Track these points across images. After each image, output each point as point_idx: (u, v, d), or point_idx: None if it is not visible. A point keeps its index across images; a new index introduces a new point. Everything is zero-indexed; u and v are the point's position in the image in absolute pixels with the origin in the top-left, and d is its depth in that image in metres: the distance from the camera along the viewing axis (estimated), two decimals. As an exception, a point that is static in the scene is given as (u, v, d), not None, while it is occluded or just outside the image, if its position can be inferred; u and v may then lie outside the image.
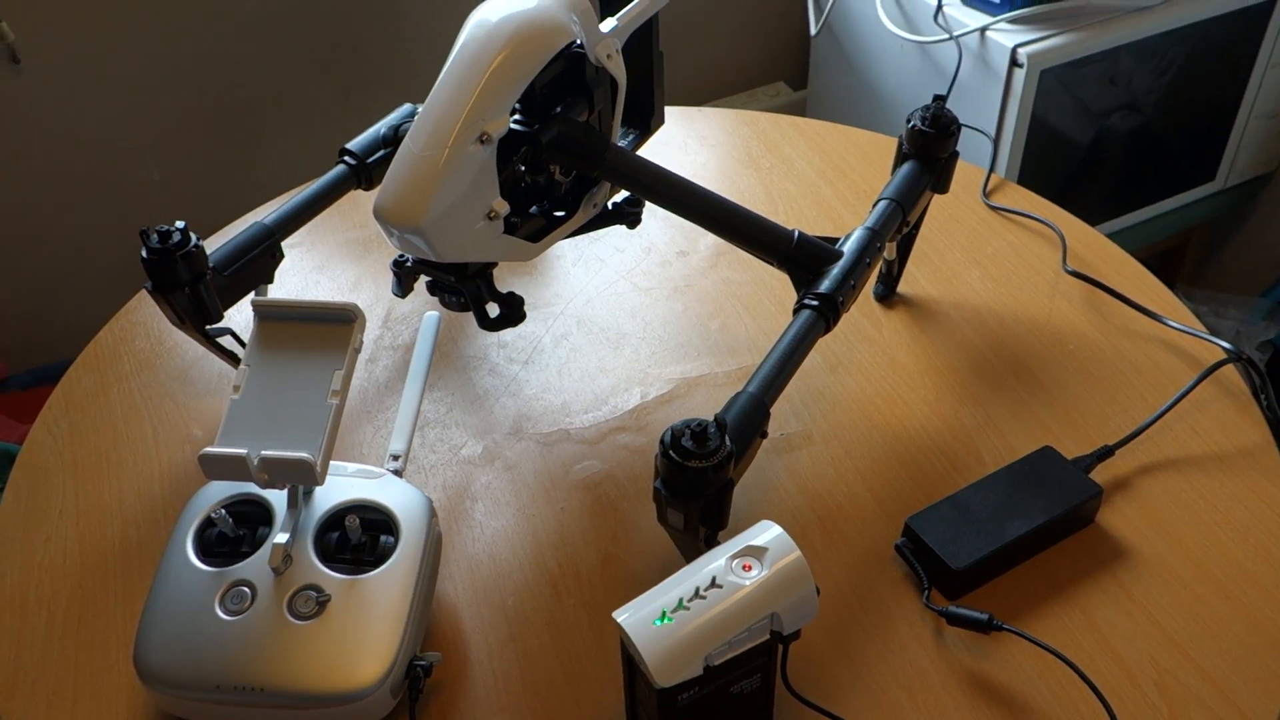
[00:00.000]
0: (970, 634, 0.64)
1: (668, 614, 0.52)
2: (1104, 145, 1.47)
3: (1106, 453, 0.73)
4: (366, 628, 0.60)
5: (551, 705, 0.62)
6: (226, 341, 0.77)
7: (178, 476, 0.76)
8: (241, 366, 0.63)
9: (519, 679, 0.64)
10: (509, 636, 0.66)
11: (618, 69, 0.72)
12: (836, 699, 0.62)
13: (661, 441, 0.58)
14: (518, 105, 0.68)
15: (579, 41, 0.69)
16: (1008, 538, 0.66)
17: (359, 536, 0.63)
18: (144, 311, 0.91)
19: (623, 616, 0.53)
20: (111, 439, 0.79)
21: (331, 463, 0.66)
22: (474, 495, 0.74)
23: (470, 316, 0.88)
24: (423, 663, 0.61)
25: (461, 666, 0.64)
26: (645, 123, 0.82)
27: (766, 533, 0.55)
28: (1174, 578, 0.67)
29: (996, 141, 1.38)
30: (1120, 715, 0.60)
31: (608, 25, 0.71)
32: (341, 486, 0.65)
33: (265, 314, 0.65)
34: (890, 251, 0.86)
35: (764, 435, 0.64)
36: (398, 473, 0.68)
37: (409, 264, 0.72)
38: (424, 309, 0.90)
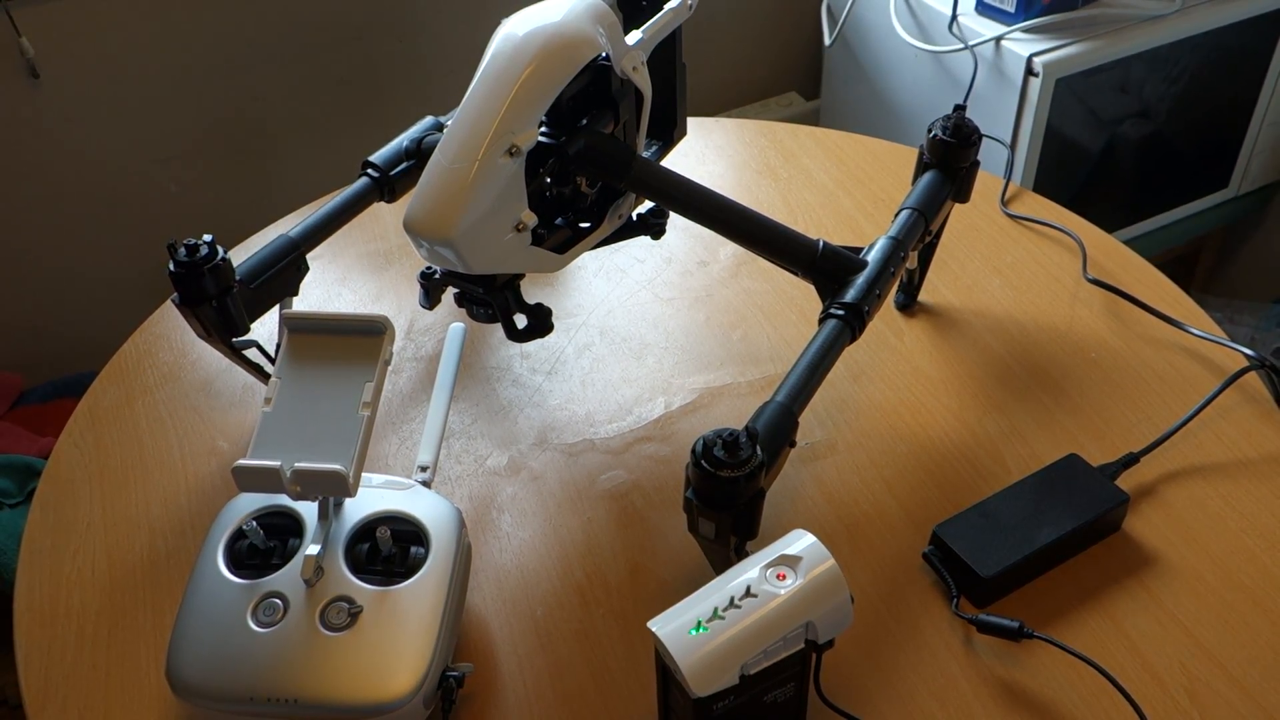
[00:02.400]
0: (1000, 642, 0.64)
1: (703, 624, 0.53)
2: (1117, 153, 1.47)
3: (1132, 460, 0.73)
4: (399, 639, 0.60)
5: (582, 715, 0.62)
6: (252, 354, 0.77)
7: (204, 488, 0.77)
8: (273, 379, 0.64)
9: (550, 689, 0.64)
10: (539, 647, 0.66)
11: (643, 81, 0.72)
12: (868, 708, 0.62)
13: (693, 451, 0.58)
14: (545, 118, 0.69)
15: (605, 54, 0.69)
16: (1036, 545, 0.66)
17: (390, 548, 0.63)
18: (167, 324, 0.91)
19: (658, 626, 0.53)
20: (137, 451, 0.80)
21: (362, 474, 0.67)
22: (500, 506, 0.75)
23: (493, 328, 0.89)
24: (455, 674, 0.61)
25: (492, 677, 0.65)
26: (668, 134, 0.82)
27: (800, 541, 0.55)
28: (1202, 584, 0.67)
29: (1012, 150, 1.38)
30: (1153, 723, 0.60)
31: (633, 38, 0.71)
32: (371, 498, 0.66)
33: (295, 326, 0.65)
34: (912, 261, 0.86)
35: (792, 444, 0.64)
36: (426, 484, 0.68)
37: (437, 276, 0.72)
38: (446, 321, 0.90)
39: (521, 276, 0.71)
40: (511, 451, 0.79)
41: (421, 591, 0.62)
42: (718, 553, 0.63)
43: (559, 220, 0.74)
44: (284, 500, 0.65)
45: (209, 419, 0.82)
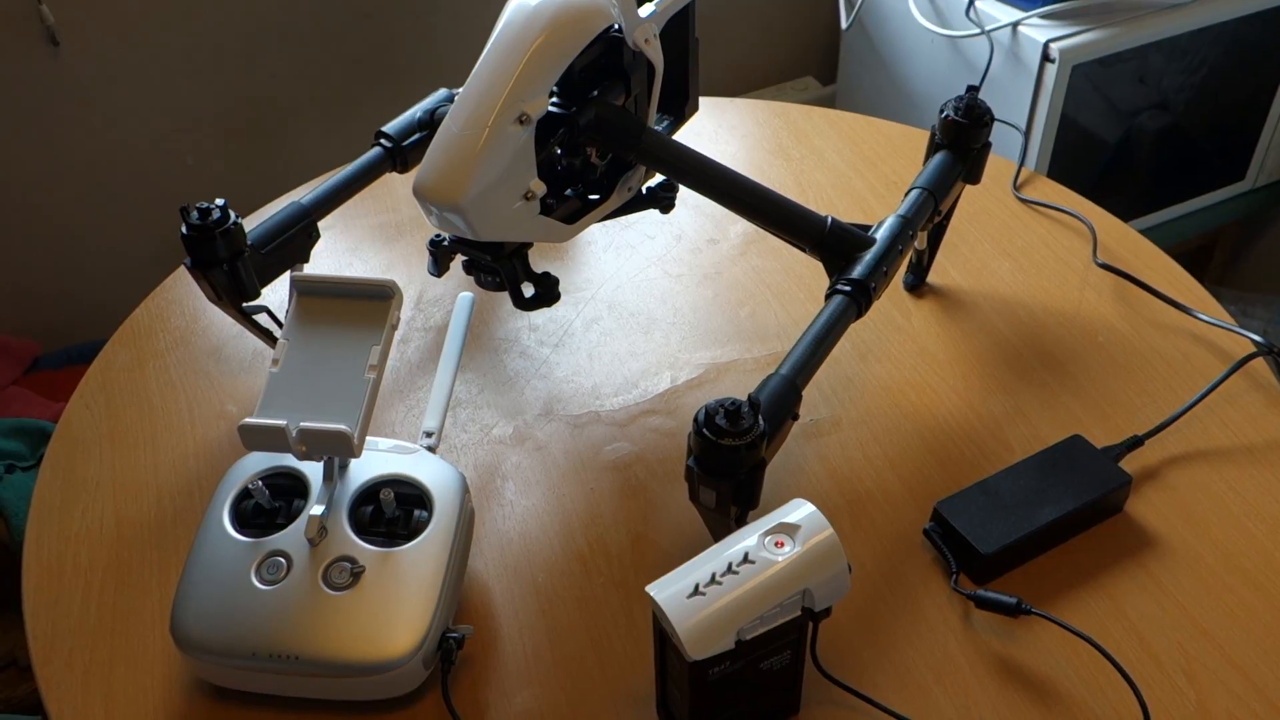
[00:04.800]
0: (998, 618, 0.64)
1: (700, 588, 0.53)
2: (1133, 143, 1.46)
3: (1136, 443, 0.73)
4: (400, 599, 0.60)
5: (581, 680, 0.63)
6: (263, 319, 0.78)
7: (212, 452, 0.77)
8: (280, 341, 0.64)
9: (549, 654, 0.64)
10: (539, 612, 0.67)
11: (655, 54, 0.72)
12: (864, 679, 0.62)
13: (695, 420, 0.59)
14: (556, 88, 0.69)
15: (617, 26, 0.69)
16: (1037, 524, 0.66)
17: (393, 510, 0.64)
18: (180, 289, 0.92)
19: (656, 590, 0.54)
20: (147, 414, 0.80)
21: (367, 438, 0.67)
22: (505, 474, 0.75)
23: (502, 300, 0.89)
24: (455, 635, 0.61)
25: (492, 641, 0.65)
26: (680, 109, 0.82)
27: (799, 510, 0.56)
28: (1203, 567, 0.67)
29: (1026, 136, 1.38)
30: (1148, 701, 0.60)
31: (646, 10, 0.71)
32: (376, 461, 0.66)
33: (304, 289, 0.65)
34: (921, 241, 0.86)
35: (795, 417, 0.65)
36: (431, 449, 0.69)
37: (445, 243, 0.73)
38: (455, 293, 0.90)
39: (530, 246, 0.72)
40: (517, 422, 0.79)
41: (423, 554, 0.62)
42: (718, 522, 0.64)
43: (568, 192, 0.74)
44: (290, 461, 0.66)
45: (218, 383, 0.83)
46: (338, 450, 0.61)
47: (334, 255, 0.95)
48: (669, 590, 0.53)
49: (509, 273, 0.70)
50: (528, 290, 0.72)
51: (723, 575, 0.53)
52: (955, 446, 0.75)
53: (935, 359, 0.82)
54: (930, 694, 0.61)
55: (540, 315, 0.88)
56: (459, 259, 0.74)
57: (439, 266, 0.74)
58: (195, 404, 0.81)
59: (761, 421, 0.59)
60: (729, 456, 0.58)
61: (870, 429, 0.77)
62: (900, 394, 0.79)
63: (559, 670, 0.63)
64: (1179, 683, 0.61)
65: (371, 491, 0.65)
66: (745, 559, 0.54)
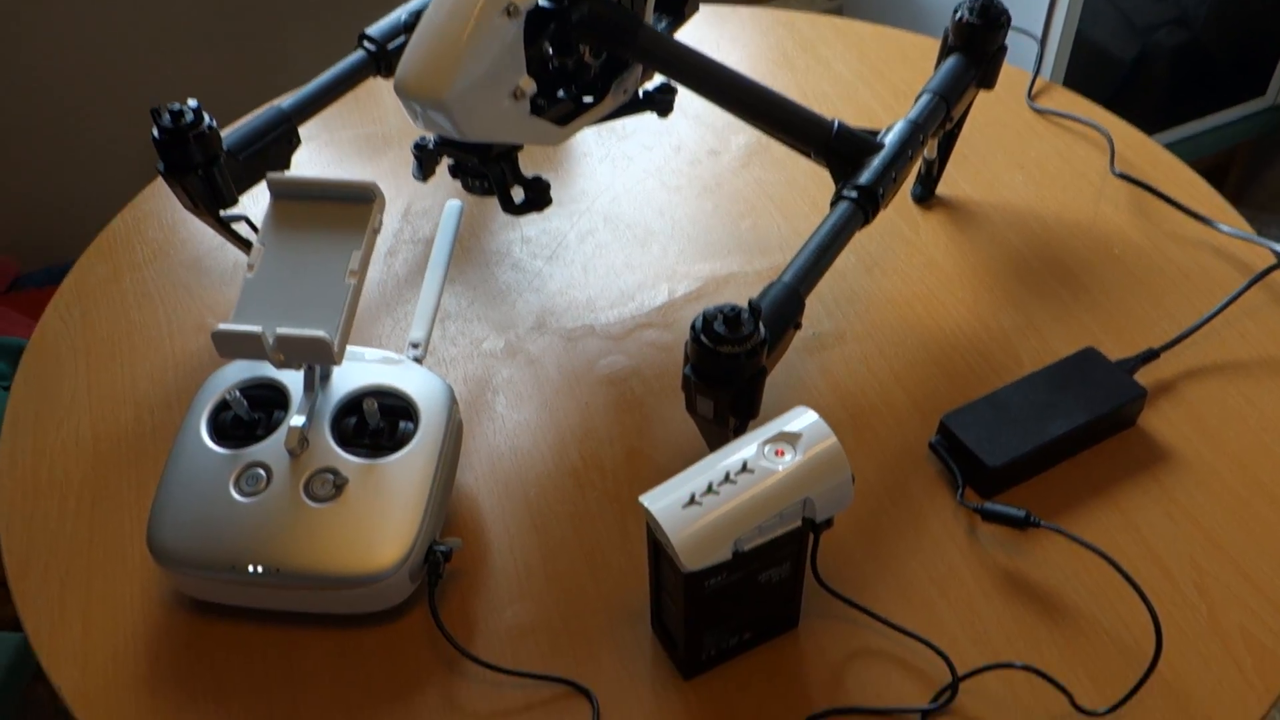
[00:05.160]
0: (1005, 532, 0.62)
1: (697, 498, 0.50)
2: (1150, 57, 1.42)
3: (1151, 355, 0.70)
4: (385, 511, 0.58)
5: (573, 595, 0.61)
6: (241, 229, 0.75)
7: (191, 365, 0.75)
8: (256, 245, 0.61)
9: (540, 569, 0.62)
10: (531, 527, 0.64)
11: (652, -57, 0.68)
12: (866, 593, 0.60)
13: (693, 326, 0.56)
14: (546, -22, 0.65)
15: (611, -90, 0.65)
16: (1047, 437, 0.64)
17: (377, 421, 0.61)
18: (158, 200, 0.88)
19: (650, 500, 0.51)
20: (124, 326, 0.78)
21: (350, 348, 0.65)
22: (495, 388, 0.73)
23: (494, 212, 0.86)
24: (442, 548, 0.59)
25: (482, 555, 0.63)
26: (679, 7, 0.78)
27: (801, 418, 0.53)
28: (1217, 481, 0.65)
29: (1042, 44, 1.33)
30: (1160, 614, 0.58)
31: (642, -105, 0.67)
32: (360, 371, 0.64)
33: (281, 191, 0.62)
34: (930, 150, 0.83)
35: (798, 326, 0.62)
36: (418, 360, 0.66)
37: (431, 146, 0.69)
38: (444, 203, 0.87)
39: (519, 148, 0.68)
40: (509, 335, 0.76)
41: (409, 465, 0.60)
42: (716, 434, 0.61)
43: (560, 93, 0.70)
44: (270, 372, 0.63)
45: (198, 295, 0.80)
46: (317, 358, 0.58)
47: (318, 167, 0.91)
48: (664, 500, 0.51)
49: (497, 176, 0.67)
50: (517, 195, 0.68)
51: (720, 485, 0.51)
52: (963, 360, 0.72)
53: (944, 272, 0.79)
54: (934, 608, 0.59)
55: (533, 227, 0.85)
56: (445, 164, 0.71)
57: (424, 171, 0.71)
58: (174, 316, 0.78)
59: (762, 328, 0.56)
60: (728, 364, 0.55)
61: (876, 342, 0.74)
62: (907, 307, 0.76)
63: (551, 585, 0.61)
64: (1191, 596, 0.59)
65: (355, 402, 0.62)
66: (744, 468, 0.51)
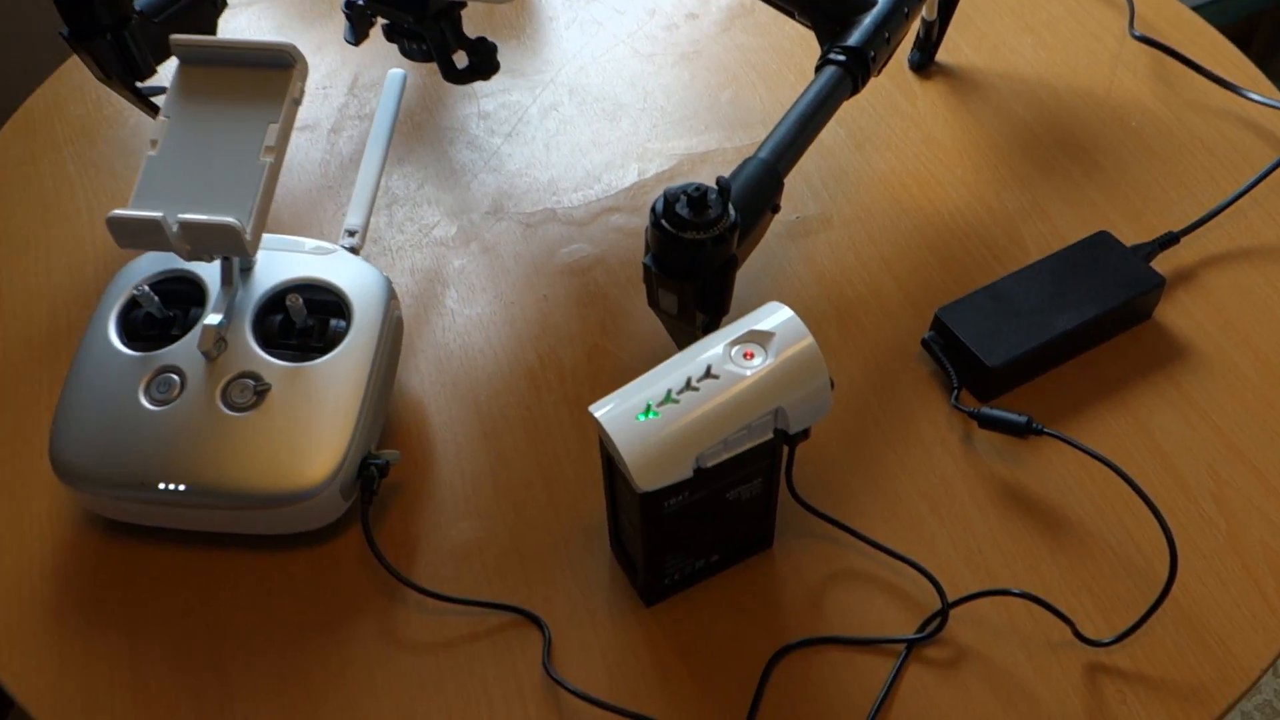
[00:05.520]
0: (1004, 440, 0.56)
1: (653, 408, 0.44)
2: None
3: (1170, 239, 0.63)
4: (312, 421, 0.52)
5: (527, 509, 0.55)
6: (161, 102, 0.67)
7: (114, 257, 0.68)
8: (160, 118, 0.54)
9: (490, 480, 0.56)
10: (480, 434, 0.58)
11: None
12: (848, 508, 0.54)
13: (653, 209, 0.49)
14: None
15: None
16: (1052, 332, 0.57)
17: (304, 319, 0.55)
18: (82, 75, 0.80)
19: (601, 410, 0.45)
20: (40, 213, 0.70)
21: (277, 237, 0.58)
22: (446, 280, 0.66)
23: (447, 85, 0.78)
24: (378, 461, 0.53)
25: (426, 467, 0.57)
26: None
27: (774, 316, 0.46)
28: (1240, 380, 0.58)
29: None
30: (1174, 531, 0.52)
31: None
32: (286, 263, 0.57)
33: (188, 56, 0.55)
34: (930, 10, 0.74)
35: (775, 209, 0.55)
36: (354, 250, 0.59)
37: (361, 1, 0.61)
38: (395, 74, 0.79)
39: (462, 5, 0.60)
40: (462, 221, 0.69)
41: (340, 368, 0.53)
42: (683, 332, 0.55)
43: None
44: (186, 264, 0.57)
45: (125, 180, 0.73)
46: (229, 248, 0.51)
47: (255, 35, 0.82)
48: (617, 410, 0.45)
49: (436, 38, 0.59)
50: (460, 60, 0.61)
51: (680, 393, 0.44)
52: (962, 247, 0.66)
53: (943, 148, 0.71)
54: (924, 525, 0.53)
55: (492, 101, 0.76)
56: (381, 24, 0.62)
57: (355, 33, 0.62)
58: (95, 203, 0.71)
59: (732, 211, 0.49)
60: (692, 253, 0.48)
61: (865, 227, 0.67)
62: (901, 187, 0.69)
63: (501, 499, 0.56)
64: (1208, 510, 0.53)
65: (279, 298, 0.56)
66: (708, 373, 0.45)
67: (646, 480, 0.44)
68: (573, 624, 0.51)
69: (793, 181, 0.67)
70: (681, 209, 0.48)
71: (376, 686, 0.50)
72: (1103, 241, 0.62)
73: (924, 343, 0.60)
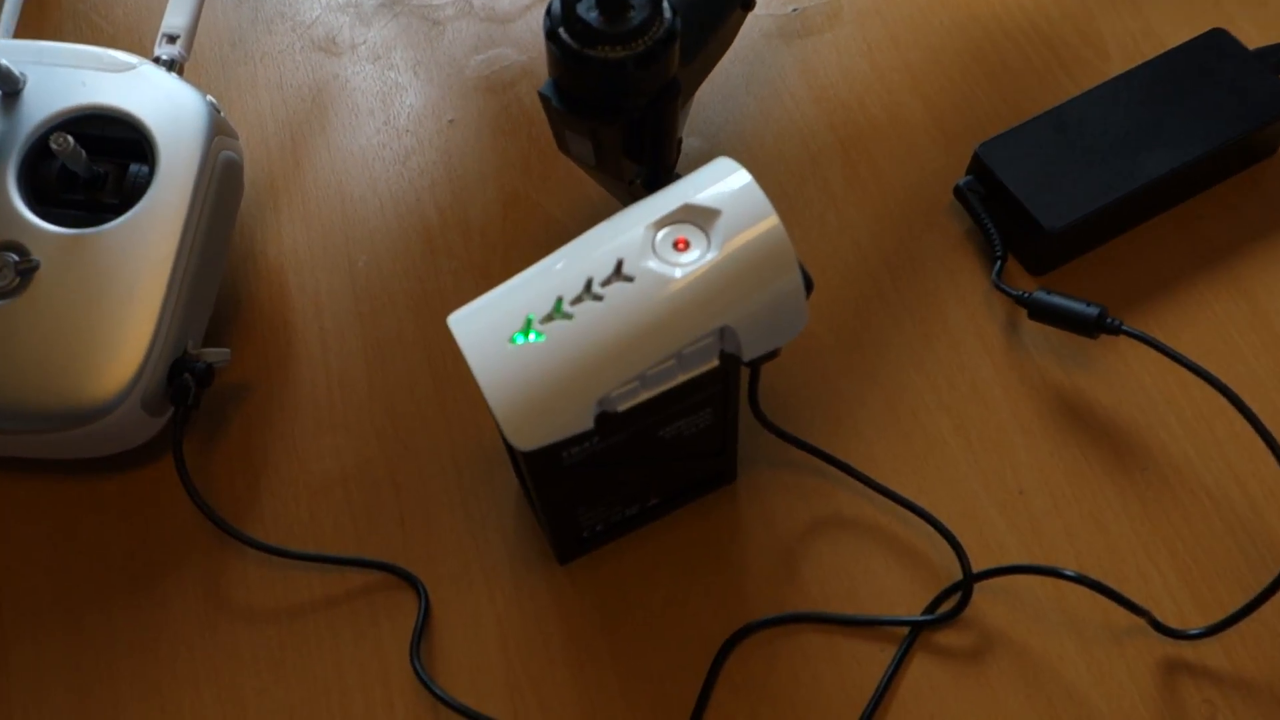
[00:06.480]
0: (1064, 336, 0.41)
1: (535, 326, 0.29)
2: None
3: (1312, 42, 0.46)
4: (99, 310, 0.38)
5: (409, 424, 0.41)
6: None
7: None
8: None
9: (364, 383, 0.42)
10: (354, 316, 0.44)
11: None
12: (841, 430, 0.40)
13: (548, 12, 0.32)
14: None
15: None
16: (1138, 180, 0.42)
17: (86, 167, 0.40)
18: None
19: (461, 324, 0.30)
20: None
21: (62, 47, 0.42)
22: (320, 102, 0.50)
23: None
24: (199, 365, 0.39)
25: (278, 365, 0.43)
26: None
27: (722, 181, 0.30)
28: (1398, 247, 0.42)
29: None
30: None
31: None
32: (64, 86, 0.41)
33: None
34: None
35: (748, 4, 0.38)
36: (172, 64, 0.43)
37: None
38: None
39: None
40: (345, 17, 0.52)
41: (139, 235, 0.39)
42: (616, 187, 0.39)
43: None
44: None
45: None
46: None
47: None
48: (481, 327, 0.30)
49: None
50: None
51: (575, 302, 0.29)
52: (1018, 52, 0.48)
53: (997, -91, 0.53)
54: (945, 455, 0.39)
55: None
56: None
57: None
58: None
59: (667, 11, 0.32)
60: (605, 76, 0.32)
61: (885, 23, 0.50)
62: (937, -33, 0.51)
63: (376, 409, 0.42)
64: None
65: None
66: (617, 272, 0.29)
67: (524, 436, 0.29)
68: (462, 586, 0.38)
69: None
70: (588, 11, 0.31)
71: (196, 665, 0.37)
72: (1215, 45, 0.44)
73: (957, 191, 0.43)
